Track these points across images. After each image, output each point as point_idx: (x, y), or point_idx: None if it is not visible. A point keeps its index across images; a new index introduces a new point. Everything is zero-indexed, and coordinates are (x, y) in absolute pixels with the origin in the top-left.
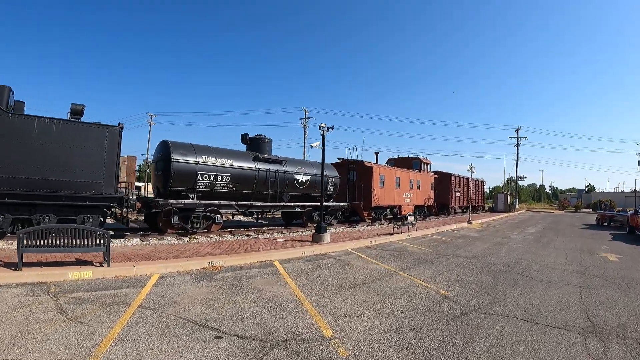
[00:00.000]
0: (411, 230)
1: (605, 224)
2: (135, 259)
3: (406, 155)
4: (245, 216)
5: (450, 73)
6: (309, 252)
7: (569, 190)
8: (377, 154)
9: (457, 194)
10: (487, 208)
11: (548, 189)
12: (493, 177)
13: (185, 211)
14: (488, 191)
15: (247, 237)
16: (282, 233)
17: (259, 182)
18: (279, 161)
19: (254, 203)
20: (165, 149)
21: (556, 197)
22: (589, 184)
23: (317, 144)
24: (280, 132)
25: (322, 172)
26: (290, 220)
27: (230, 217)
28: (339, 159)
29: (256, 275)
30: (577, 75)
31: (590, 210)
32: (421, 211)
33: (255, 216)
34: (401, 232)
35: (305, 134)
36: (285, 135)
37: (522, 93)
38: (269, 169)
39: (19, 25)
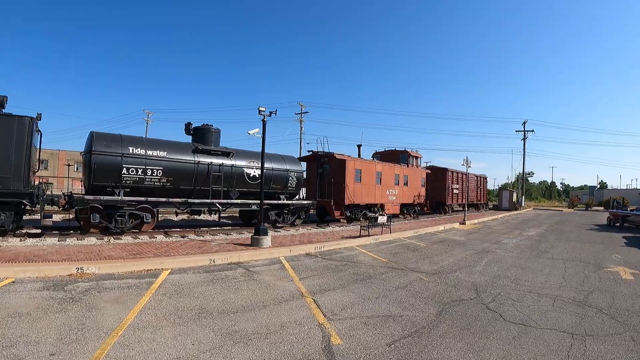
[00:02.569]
0: (385, 232)
1: (618, 224)
2: (18, 260)
3: (393, 148)
4: (191, 215)
5: (450, 74)
6: (221, 260)
7: (581, 188)
8: (359, 146)
9: (455, 191)
10: (491, 206)
11: (559, 186)
12: (502, 174)
13: (110, 209)
14: (497, 188)
15: (181, 239)
16: (227, 235)
17: (199, 176)
18: (225, 153)
19: (189, 200)
20: (89, 141)
21: (568, 195)
22: (601, 180)
23: (255, 130)
24: (281, 128)
25: (262, 163)
26: (250, 219)
27: (175, 216)
28: (308, 151)
29: (117, 287)
30: (588, 70)
31: (602, 208)
32: (410, 210)
33: (201, 215)
34: (369, 235)
35: (301, 129)
36: (284, 131)
37: (530, 87)
38: (210, 162)
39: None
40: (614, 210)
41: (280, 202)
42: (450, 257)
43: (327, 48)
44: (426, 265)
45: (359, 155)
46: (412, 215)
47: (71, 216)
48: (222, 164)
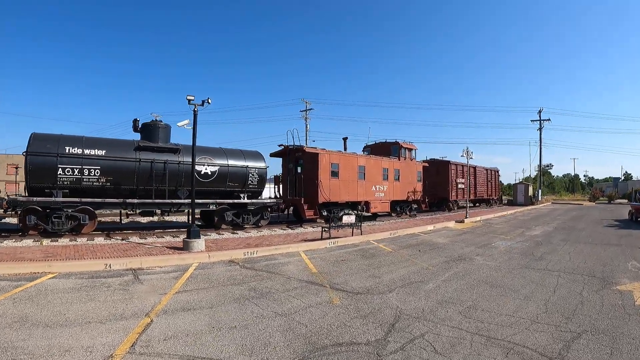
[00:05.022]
0: (356, 233)
1: None
2: None
3: (384, 140)
4: (143, 216)
5: (462, 72)
6: (119, 265)
7: (605, 180)
8: (345, 139)
9: (460, 186)
10: (506, 201)
11: (583, 179)
12: (525, 169)
13: (48, 210)
14: (518, 182)
15: (119, 241)
16: (174, 237)
17: (141, 175)
18: (172, 150)
19: (127, 200)
20: (27, 142)
21: (592, 187)
22: (626, 171)
23: (185, 122)
24: (284, 127)
25: (193, 158)
26: (212, 220)
27: (126, 217)
28: (279, 145)
29: None
30: (612, 56)
31: (625, 201)
32: (405, 207)
33: (155, 217)
34: (329, 238)
35: (307, 127)
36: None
37: (554, 78)
38: (154, 159)
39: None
40: (637, 203)
41: (237, 201)
42: (406, 267)
43: (343, 45)
44: (361, 279)
45: (345, 149)
46: (407, 213)
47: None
48: (167, 161)
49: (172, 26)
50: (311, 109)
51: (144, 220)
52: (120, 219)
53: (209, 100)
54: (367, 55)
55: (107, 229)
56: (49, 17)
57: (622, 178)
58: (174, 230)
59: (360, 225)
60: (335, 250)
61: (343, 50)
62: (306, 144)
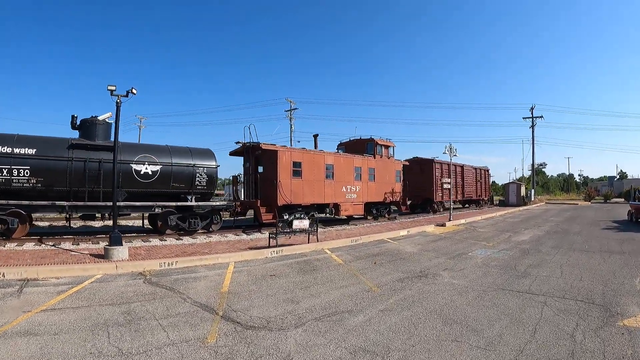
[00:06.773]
0: (312, 240)
1: None
2: None
3: (358, 137)
4: (85, 220)
5: (456, 66)
6: (13, 275)
7: (601, 179)
8: (315, 136)
9: (446, 186)
10: (497, 202)
11: (577, 178)
12: (519, 168)
13: None
14: (519, 179)
15: (50, 247)
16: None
17: (74, 175)
18: (109, 148)
19: (57, 203)
20: None
21: (587, 187)
22: (621, 170)
23: (107, 115)
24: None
25: (115, 155)
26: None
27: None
28: (236, 142)
29: None
30: (604, 49)
31: (622, 199)
32: (382, 209)
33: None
34: (277, 246)
35: (291, 127)
36: (273, 129)
37: (545, 73)
38: (87, 158)
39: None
40: (636, 202)
41: (181, 203)
42: (344, 288)
43: (334, 43)
44: (271, 305)
45: (315, 146)
46: (385, 216)
47: None
48: (102, 160)
49: (167, 26)
50: (296, 108)
51: (97, 224)
52: (69, 224)
53: (134, 91)
54: (359, 53)
55: (49, 234)
56: (50, 17)
57: (618, 177)
58: (126, 235)
59: (317, 231)
60: (274, 262)
61: (335, 48)
62: (291, 144)
